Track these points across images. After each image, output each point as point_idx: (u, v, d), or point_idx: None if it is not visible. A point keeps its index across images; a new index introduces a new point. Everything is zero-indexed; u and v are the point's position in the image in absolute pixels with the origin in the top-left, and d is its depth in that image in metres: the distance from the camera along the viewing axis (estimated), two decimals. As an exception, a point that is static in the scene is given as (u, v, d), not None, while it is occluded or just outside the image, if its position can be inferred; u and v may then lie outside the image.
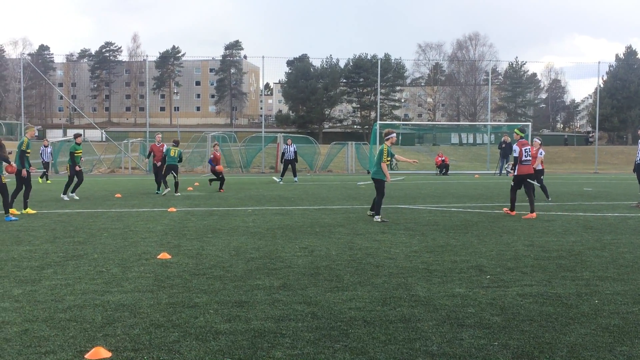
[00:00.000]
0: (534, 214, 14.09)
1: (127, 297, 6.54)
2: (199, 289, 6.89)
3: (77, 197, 18.67)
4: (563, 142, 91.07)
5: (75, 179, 18.49)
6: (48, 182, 28.31)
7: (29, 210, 15.01)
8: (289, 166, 27.97)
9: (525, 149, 14.75)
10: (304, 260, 8.69)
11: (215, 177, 23.45)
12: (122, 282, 7.23)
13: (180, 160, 21.19)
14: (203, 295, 6.61)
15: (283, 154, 28.79)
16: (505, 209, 15.14)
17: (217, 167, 22.88)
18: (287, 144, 28.94)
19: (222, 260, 8.62)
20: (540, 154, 18.43)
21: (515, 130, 15.55)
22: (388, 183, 13.95)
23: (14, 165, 14.34)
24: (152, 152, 22.52)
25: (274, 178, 29.53)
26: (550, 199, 18.39)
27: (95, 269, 8.04)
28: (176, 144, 21.42)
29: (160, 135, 23.18)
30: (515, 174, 14.82)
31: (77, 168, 18.47)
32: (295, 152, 28.53)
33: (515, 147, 14.85)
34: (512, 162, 15.11)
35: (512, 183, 14.93)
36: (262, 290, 6.87)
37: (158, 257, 8.81)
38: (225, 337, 5.21)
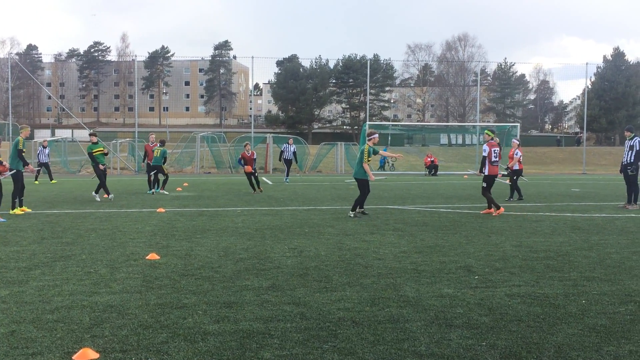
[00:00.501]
0: (492, 210, 14.61)
1: (115, 298, 6.52)
2: (188, 290, 6.87)
3: (98, 199, 18.23)
4: (555, 143, 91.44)
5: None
6: (53, 181, 28.03)
7: (24, 209, 15.23)
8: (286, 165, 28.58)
9: (494, 150, 14.99)
10: (293, 260, 8.69)
11: (249, 180, 21.95)
12: (110, 283, 7.20)
13: (164, 161, 21.51)
14: (192, 296, 6.59)
15: (282, 152, 28.86)
16: (483, 210, 15.16)
17: (246, 168, 21.83)
18: (288, 143, 29.08)
19: (211, 261, 8.61)
20: (517, 154, 18.60)
21: (486, 131, 15.71)
22: (371, 182, 14.19)
23: (5, 164, 14.33)
24: (146, 152, 22.77)
25: (266, 180, 29.44)
26: (522, 199, 18.46)
27: (84, 269, 8.01)
28: (161, 143, 21.66)
29: (153, 136, 23.36)
30: (486, 174, 15.03)
31: (101, 167, 18.28)
32: (294, 153, 28.68)
33: (485, 147, 15.06)
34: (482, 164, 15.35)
35: (484, 184, 15.10)
36: (251, 290, 6.86)
37: (147, 257, 8.79)
38: (214, 338, 5.20)
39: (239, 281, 7.33)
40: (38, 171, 28.68)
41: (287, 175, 28.89)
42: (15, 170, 14.92)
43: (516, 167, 18.70)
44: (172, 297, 6.54)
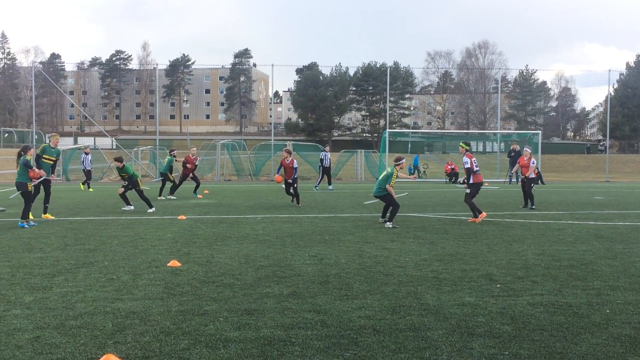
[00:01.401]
0: (479, 219, 14.68)
1: (138, 304, 6.56)
2: (209, 297, 6.90)
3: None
4: (585, 150, 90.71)
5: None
6: (90, 189, 28.13)
7: (48, 216, 15.49)
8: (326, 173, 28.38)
9: (474, 160, 15.23)
10: (313, 268, 8.69)
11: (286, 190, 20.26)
12: (132, 290, 7.25)
13: (170, 170, 23.15)
14: (213, 303, 6.62)
15: (321, 160, 28.73)
16: (470, 219, 14.99)
17: (275, 178, 21.02)
18: (325, 151, 28.90)
19: (231, 268, 8.64)
20: (533, 163, 18.45)
21: (461, 143, 16.01)
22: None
23: (36, 170, 14.50)
24: (185, 163, 23.68)
25: (316, 188, 28.74)
26: (534, 207, 18.22)
27: (106, 276, 8.07)
28: (170, 152, 23.70)
29: (195, 149, 24.67)
30: (472, 182, 15.14)
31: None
32: (331, 160, 28.61)
33: (465, 158, 15.20)
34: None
35: (467, 191, 15.15)
36: (271, 298, 6.87)
37: (168, 264, 8.84)
38: (235, 345, 5.21)
39: (259, 288, 7.35)
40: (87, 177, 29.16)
41: (330, 183, 28.81)
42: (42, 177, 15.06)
43: (531, 175, 18.55)
44: (193, 304, 6.57)
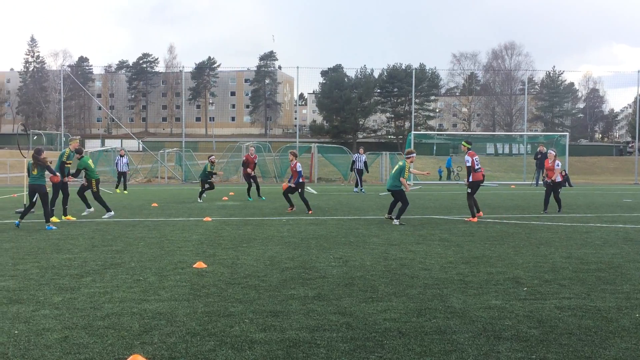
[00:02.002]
0: (475, 219, 15.38)
1: (164, 305, 6.61)
2: (234, 298, 6.93)
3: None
4: (617, 152, 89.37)
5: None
6: (125, 192, 28.14)
7: (69, 217, 15.72)
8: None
9: (475, 158, 15.81)
10: (338, 270, 8.69)
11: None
12: (158, 291, 7.31)
13: (207, 176, 22.73)
14: (238, 305, 6.64)
15: (353, 162, 28.59)
16: (467, 218, 15.60)
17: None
18: (359, 153, 28.64)
19: (257, 270, 8.66)
20: (557, 165, 18.17)
21: (463, 142, 16.60)
22: (408, 192, 14.90)
23: (58, 175, 14.91)
24: (246, 162, 23.57)
25: (355, 190, 28.59)
26: (560, 210, 17.95)
27: (133, 277, 8.15)
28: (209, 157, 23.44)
29: (253, 148, 24.31)
30: (471, 180, 15.81)
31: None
32: (365, 163, 28.32)
33: (467, 157, 15.85)
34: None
35: (469, 190, 15.89)
36: (296, 300, 6.88)
37: (194, 266, 8.89)
38: (261, 347, 5.23)
39: (284, 290, 7.36)
40: (119, 180, 29.21)
41: (361, 186, 28.36)
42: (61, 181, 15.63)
43: (557, 178, 18.27)
44: (219, 306, 6.60)
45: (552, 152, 18.67)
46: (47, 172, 14.36)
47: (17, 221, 14.20)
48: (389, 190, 15.12)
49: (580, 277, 8.24)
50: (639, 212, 18.06)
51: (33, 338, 5.45)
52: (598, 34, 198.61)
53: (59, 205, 16.05)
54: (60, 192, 16.14)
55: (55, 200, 15.71)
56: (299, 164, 18.00)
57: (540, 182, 35.73)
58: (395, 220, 14.32)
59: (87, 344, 5.29)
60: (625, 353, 5.10)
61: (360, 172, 28.23)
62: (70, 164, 16.29)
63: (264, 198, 22.81)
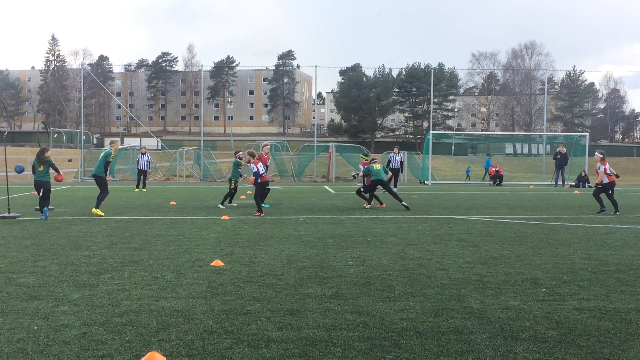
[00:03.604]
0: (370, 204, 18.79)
1: (182, 303, 6.65)
2: (252, 297, 6.95)
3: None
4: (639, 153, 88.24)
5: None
6: (144, 190, 27.87)
7: (99, 212, 16.09)
8: (393, 176, 26.78)
9: (369, 166, 18.99)
10: (355, 269, 8.68)
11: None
12: (176, 288, 7.35)
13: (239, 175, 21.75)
14: (255, 303, 6.66)
15: (389, 162, 27.71)
16: (365, 204, 18.68)
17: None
18: (394, 152, 27.79)
19: (274, 269, 8.68)
20: (599, 168, 17.93)
21: (361, 155, 19.72)
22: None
23: (62, 174, 16.63)
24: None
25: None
26: (604, 210, 17.84)
27: (151, 274, 8.20)
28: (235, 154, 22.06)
29: (267, 147, 21.84)
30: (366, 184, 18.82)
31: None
32: (401, 162, 27.28)
33: (360, 167, 19.99)
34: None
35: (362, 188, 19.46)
36: (313, 299, 6.88)
37: (211, 264, 8.93)
38: (277, 345, 5.24)
39: (302, 289, 7.37)
40: (139, 178, 28.86)
41: (395, 186, 27.05)
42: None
43: (605, 180, 17.99)
44: (236, 304, 6.62)
45: (597, 155, 18.31)
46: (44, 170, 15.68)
47: (42, 215, 15.29)
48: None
49: (599, 278, 8.16)
50: (660, 214, 17.85)
51: (52, 334, 5.51)
52: (619, 34, 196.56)
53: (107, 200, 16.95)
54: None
55: (105, 197, 16.58)
56: (254, 165, 17.24)
57: (560, 182, 35.47)
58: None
59: (105, 340, 5.34)
60: (644, 355, 5.05)
61: (395, 172, 27.18)
62: (110, 163, 17.02)
63: (268, 205, 19.43)
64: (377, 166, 19.04)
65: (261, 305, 6.55)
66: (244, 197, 23.38)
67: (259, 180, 17.10)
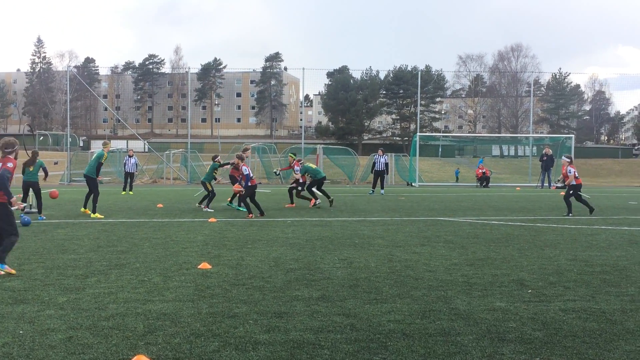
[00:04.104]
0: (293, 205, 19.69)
1: (168, 306, 6.63)
2: (239, 299, 6.94)
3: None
4: (624, 154, 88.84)
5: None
6: (130, 193, 27.59)
7: (98, 215, 16.29)
8: (379, 178, 27.22)
9: (297, 166, 19.70)
10: (343, 271, 8.69)
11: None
12: (163, 292, 7.32)
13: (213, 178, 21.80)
14: (243, 306, 6.65)
15: (373, 164, 27.66)
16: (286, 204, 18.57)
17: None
18: (378, 154, 27.71)
19: (261, 271, 8.67)
20: (569, 172, 18.03)
21: (290, 154, 20.36)
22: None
23: (56, 191, 17.55)
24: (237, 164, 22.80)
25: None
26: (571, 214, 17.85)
27: (137, 278, 8.17)
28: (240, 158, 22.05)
29: (249, 150, 21.50)
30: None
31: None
32: (386, 164, 27.41)
33: (296, 167, 20.31)
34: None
35: (299, 188, 20.02)
36: (301, 301, 6.89)
37: (199, 267, 8.91)
38: (265, 348, 5.24)
39: (289, 291, 7.37)
40: (125, 181, 28.63)
41: (382, 187, 27.58)
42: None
43: (572, 182, 18.14)
44: (223, 306, 6.61)
45: (566, 160, 18.42)
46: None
47: (40, 216, 15.73)
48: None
49: (585, 279, 8.22)
50: (645, 215, 17.99)
51: (38, 338, 5.48)
52: (604, 36, 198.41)
53: (100, 202, 17.22)
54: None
55: (92, 197, 16.62)
56: (245, 167, 17.20)
57: (546, 184, 35.67)
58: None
59: (92, 344, 5.31)
60: (629, 356, 5.09)
61: (380, 174, 27.32)
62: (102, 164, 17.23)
63: (234, 205, 19.12)
64: (313, 165, 20.70)
65: (248, 308, 6.55)
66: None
67: (250, 184, 17.01)
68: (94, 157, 17.26)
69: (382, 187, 27.72)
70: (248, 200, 16.87)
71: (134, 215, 16.90)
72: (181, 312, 6.36)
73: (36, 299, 6.94)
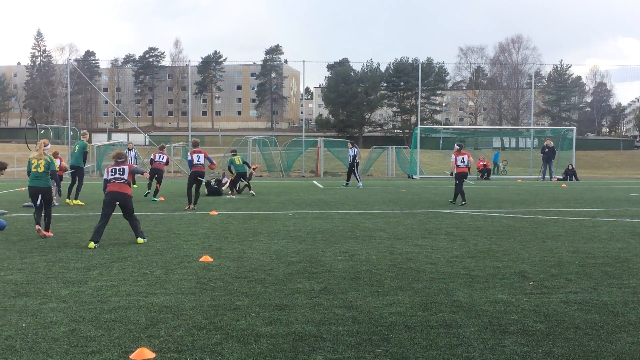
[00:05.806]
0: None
1: (170, 299, 6.64)
2: (241, 292, 6.95)
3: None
4: (626, 146, 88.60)
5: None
6: (134, 186, 27.48)
7: (79, 202, 17.61)
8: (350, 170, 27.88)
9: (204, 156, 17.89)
10: (344, 264, 8.70)
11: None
12: (165, 284, 7.33)
13: (248, 166, 22.73)
14: (244, 298, 6.66)
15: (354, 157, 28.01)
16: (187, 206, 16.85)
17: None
18: (348, 147, 28.42)
19: (263, 264, 8.68)
20: (452, 159, 18.30)
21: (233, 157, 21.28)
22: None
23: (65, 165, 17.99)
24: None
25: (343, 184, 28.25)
26: (453, 202, 18.07)
27: (139, 271, 8.18)
28: (234, 152, 22.98)
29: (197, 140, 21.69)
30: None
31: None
32: (354, 157, 27.67)
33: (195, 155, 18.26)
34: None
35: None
36: (302, 294, 6.89)
37: (200, 259, 8.92)
38: (267, 340, 5.24)
39: (290, 284, 7.38)
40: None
41: (348, 180, 28.28)
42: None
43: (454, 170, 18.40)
44: (225, 299, 6.62)
45: (456, 147, 18.56)
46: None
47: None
48: None
49: (586, 271, 8.22)
50: (646, 207, 17.99)
51: (40, 331, 5.49)
52: (604, 28, 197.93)
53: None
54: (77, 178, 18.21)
55: (72, 186, 17.82)
56: (195, 155, 17.91)
57: (547, 176, 35.65)
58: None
59: (94, 337, 5.32)
60: (631, 347, 5.10)
61: (350, 167, 28.10)
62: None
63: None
64: (238, 160, 21.59)
65: (250, 301, 6.56)
66: (232, 192, 23.31)
67: (192, 170, 17.82)
68: (77, 148, 18.52)
69: (347, 179, 28.30)
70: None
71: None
72: (183, 305, 6.37)
73: (39, 292, 6.95)
